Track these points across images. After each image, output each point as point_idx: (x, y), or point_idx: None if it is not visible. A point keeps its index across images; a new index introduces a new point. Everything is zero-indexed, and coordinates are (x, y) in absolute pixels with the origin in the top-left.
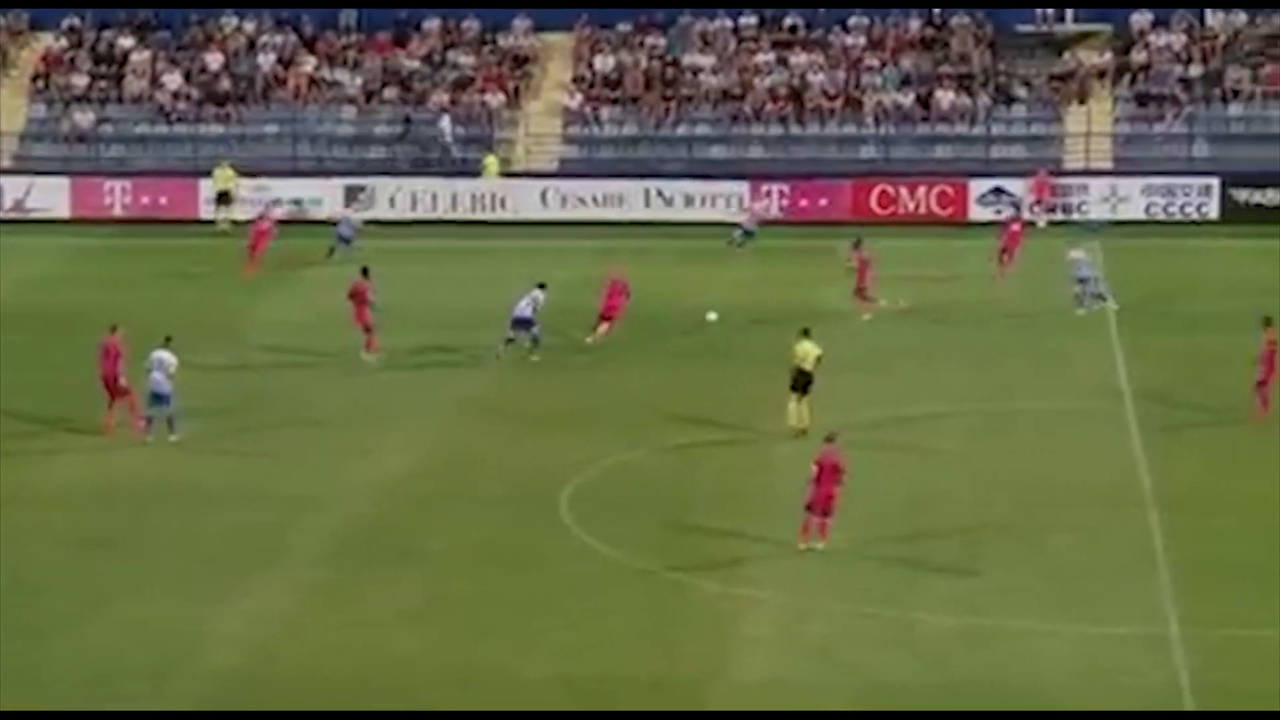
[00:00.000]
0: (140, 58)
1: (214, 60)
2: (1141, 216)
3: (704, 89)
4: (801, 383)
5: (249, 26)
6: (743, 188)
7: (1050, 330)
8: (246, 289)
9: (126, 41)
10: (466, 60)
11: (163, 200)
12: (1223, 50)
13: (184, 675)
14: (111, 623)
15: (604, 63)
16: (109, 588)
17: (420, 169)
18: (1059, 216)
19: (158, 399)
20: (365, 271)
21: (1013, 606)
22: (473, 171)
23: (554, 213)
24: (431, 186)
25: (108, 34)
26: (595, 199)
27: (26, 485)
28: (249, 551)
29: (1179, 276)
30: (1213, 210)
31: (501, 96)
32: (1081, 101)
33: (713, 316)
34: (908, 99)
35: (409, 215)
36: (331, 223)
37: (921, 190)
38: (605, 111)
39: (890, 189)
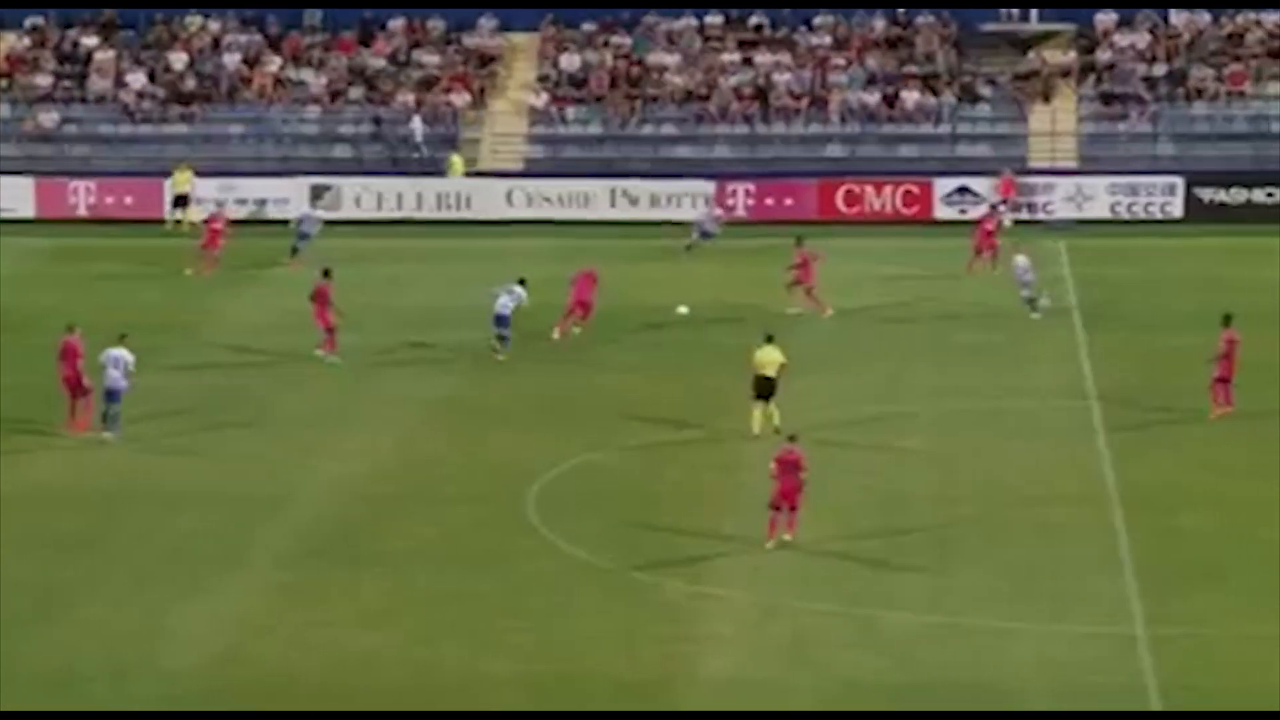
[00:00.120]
0: (104, 57)
1: (178, 60)
2: (1107, 215)
3: (669, 88)
4: (764, 390)
5: (214, 26)
6: (708, 187)
7: (1015, 330)
8: (210, 289)
9: (90, 41)
10: (431, 60)
11: (128, 200)
12: (1187, 49)
13: (147, 676)
14: (75, 623)
15: (569, 62)
16: (72, 588)
17: (391, 169)
18: (1024, 216)
19: (115, 396)
20: (327, 273)
21: (979, 605)
22: (438, 171)
23: (519, 212)
24: (396, 186)
25: (71, 33)
26: (560, 198)
27: None
28: (212, 552)
29: (1144, 275)
30: (1177, 209)
31: (466, 96)
32: (1046, 100)
33: (684, 310)
34: (873, 98)
35: (374, 215)
36: (295, 221)
37: (887, 189)
38: (570, 111)
39: (856, 188)
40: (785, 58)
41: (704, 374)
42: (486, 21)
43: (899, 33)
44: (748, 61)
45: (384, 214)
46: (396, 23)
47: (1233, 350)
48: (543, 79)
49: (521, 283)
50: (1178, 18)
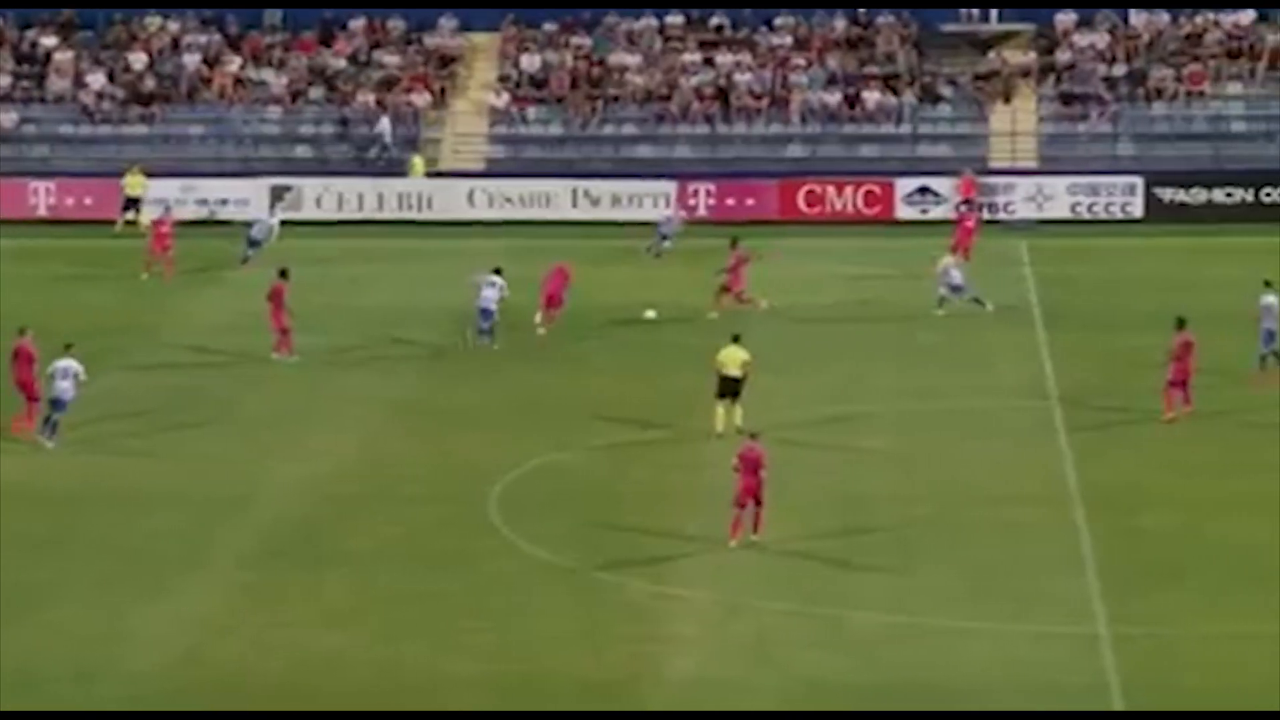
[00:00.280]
0: (63, 57)
1: (138, 60)
2: (1067, 215)
3: (630, 88)
4: (728, 389)
5: (173, 26)
6: (670, 187)
7: (977, 330)
8: (169, 290)
9: (49, 41)
10: (392, 60)
11: (87, 201)
12: (1146, 50)
13: (110, 677)
14: (37, 625)
15: (530, 62)
16: (35, 590)
17: (358, 169)
18: (985, 216)
19: (61, 406)
20: (284, 273)
21: (941, 605)
22: (402, 171)
23: (481, 212)
24: (358, 186)
25: (30, 33)
26: (522, 199)
27: None
28: (175, 553)
29: (1104, 275)
30: (1137, 209)
31: (427, 96)
32: (1006, 101)
33: (651, 314)
34: (834, 98)
35: (335, 215)
36: (246, 226)
37: (848, 190)
38: (531, 111)
39: (817, 188)
40: (746, 58)
41: (667, 374)
42: (447, 21)
43: (859, 33)
44: (708, 62)
45: (345, 214)
46: (357, 23)
47: (1187, 353)
48: (503, 79)
49: (498, 272)
50: (1137, 18)
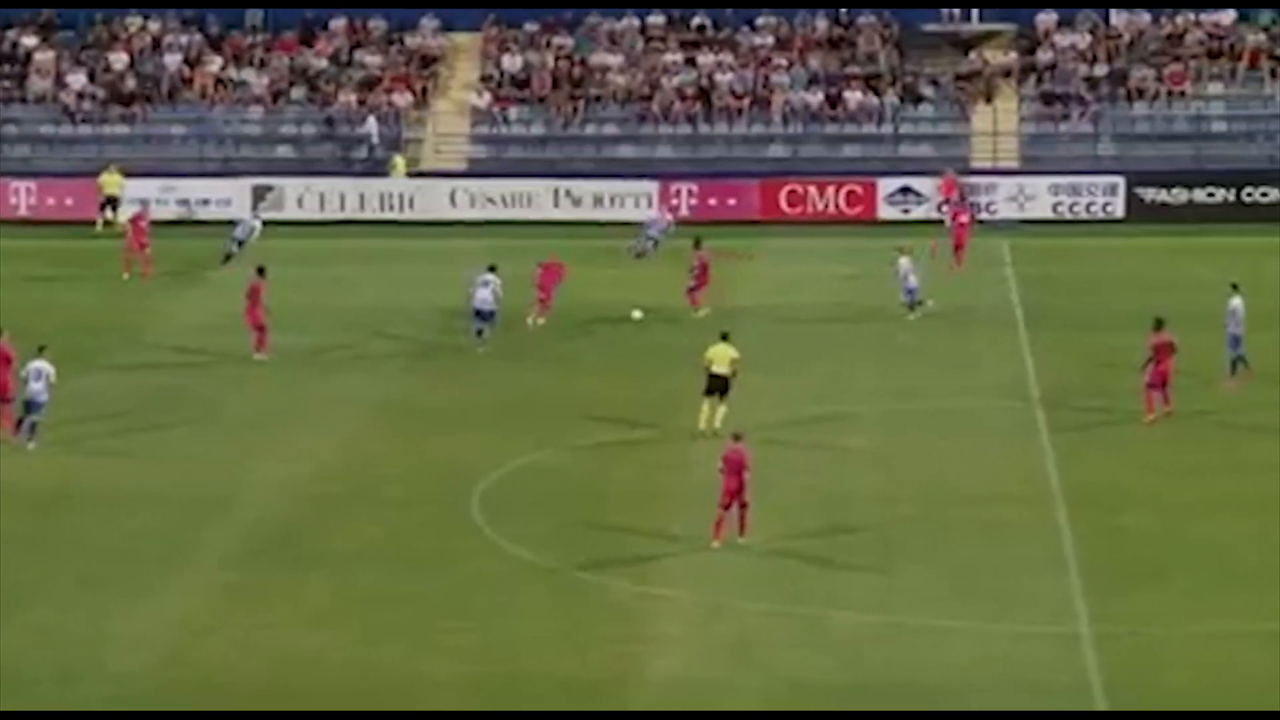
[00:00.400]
0: (44, 57)
1: (119, 60)
2: (1048, 215)
3: (612, 88)
4: (716, 386)
5: (154, 26)
6: (651, 187)
7: (959, 330)
8: (151, 291)
9: (30, 41)
10: (374, 60)
11: (68, 201)
12: (1127, 50)
13: (93, 677)
14: (19, 626)
15: (512, 62)
16: (17, 591)
17: (343, 169)
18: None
19: (36, 408)
20: (261, 271)
21: (924, 604)
22: (385, 172)
23: (463, 213)
24: (339, 186)
25: (10, 33)
26: (504, 199)
27: None
28: (157, 553)
29: (1086, 275)
30: (1118, 209)
31: (409, 96)
32: (988, 101)
33: (638, 314)
34: (815, 98)
35: (317, 215)
36: (231, 223)
37: (830, 190)
38: (513, 111)
39: (799, 188)
40: (728, 58)
41: (652, 374)
42: (428, 22)
43: (841, 33)
44: (690, 62)
45: (327, 215)
46: (338, 23)
47: (1165, 354)
48: (485, 79)
49: (492, 269)
50: (1118, 18)
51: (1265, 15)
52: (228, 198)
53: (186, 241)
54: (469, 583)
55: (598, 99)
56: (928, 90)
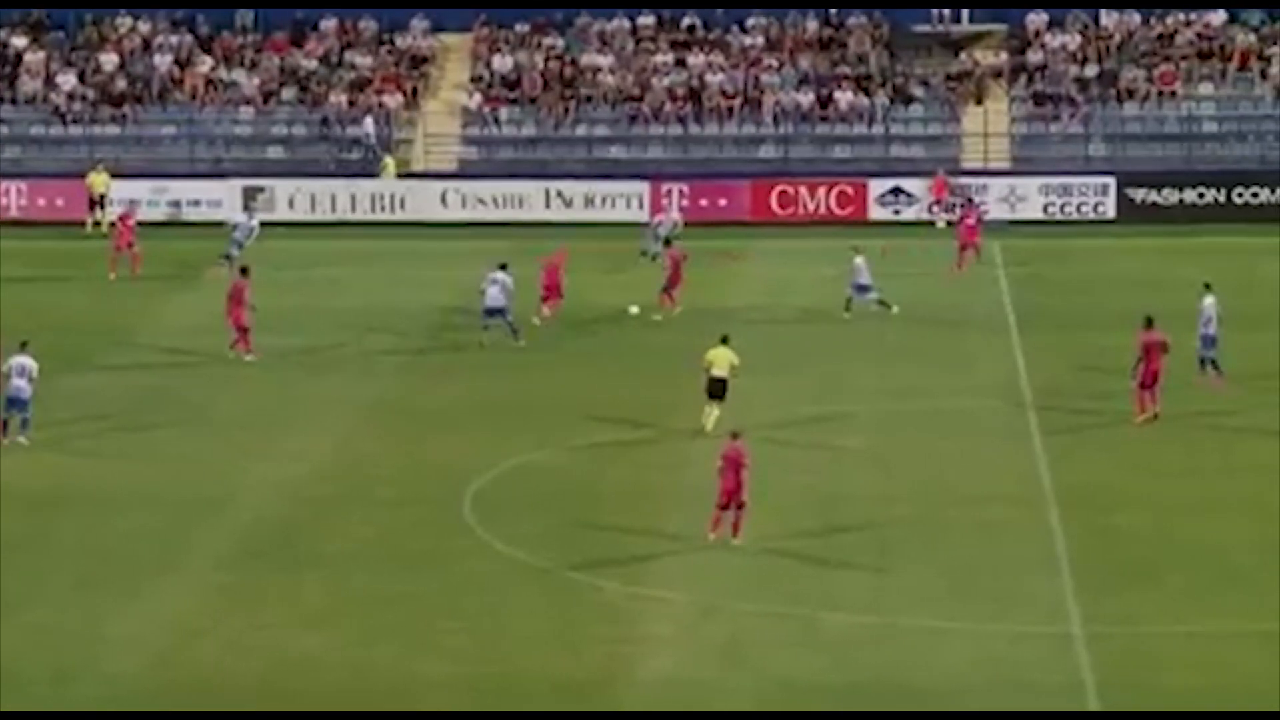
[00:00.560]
0: (34, 58)
1: (109, 61)
2: (1039, 216)
3: (602, 89)
4: (714, 389)
5: (144, 27)
6: (643, 188)
7: (952, 330)
8: (142, 291)
9: (20, 42)
10: (364, 61)
11: (59, 202)
12: (1118, 50)
13: (87, 678)
14: (14, 626)
15: (502, 63)
16: (10, 592)
17: (337, 171)
18: (957, 217)
19: (20, 405)
20: (245, 271)
21: (917, 605)
22: (371, 173)
23: (454, 214)
24: (330, 188)
25: (0, 34)
26: (495, 200)
27: None
28: (151, 554)
29: (1077, 275)
30: (1109, 209)
31: (399, 97)
32: (978, 101)
33: (634, 309)
34: (806, 99)
35: (308, 217)
36: (230, 228)
37: (821, 190)
38: (504, 112)
39: (790, 189)
40: (718, 59)
41: (645, 374)
42: (418, 22)
43: (831, 34)
44: (681, 62)
45: (318, 216)
46: (328, 23)
47: (1155, 353)
48: (476, 80)
49: (503, 267)
50: (1108, 19)
51: (1255, 16)
52: (218, 199)
53: (178, 243)
54: (462, 583)
55: (588, 100)
56: (918, 91)
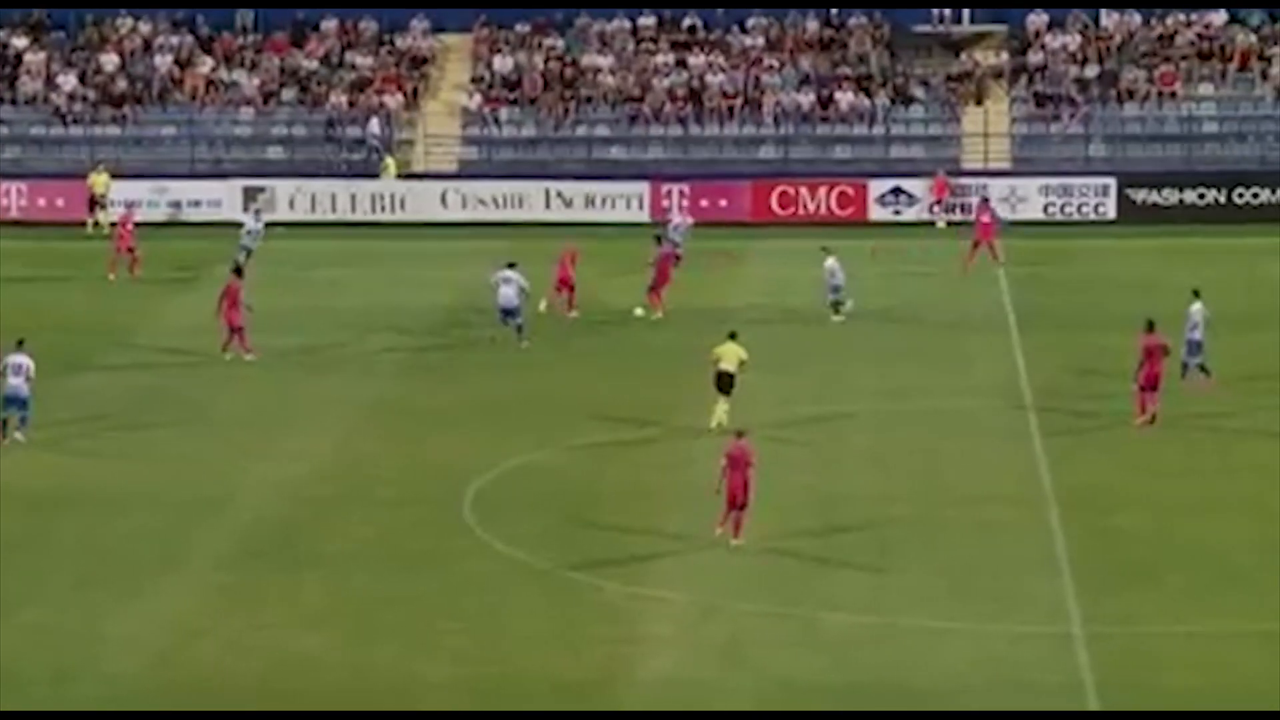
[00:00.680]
0: (35, 59)
1: (110, 61)
2: (1040, 216)
3: (603, 90)
4: (722, 385)
5: (145, 27)
6: (643, 188)
7: (952, 331)
8: (142, 292)
9: (20, 42)
10: (364, 61)
11: (59, 202)
12: (1118, 51)
13: (87, 678)
14: (14, 626)
15: (502, 63)
16: (10, 592)
17: (330, 171)
18: (958, 217)
19: (17, 403)
20: (239, 271)
21: (917, 605)
22: (371, 173)
23: (454, 214)
24: (330, 188)
25: (1, 34)
26: (495, 200)
27: None
28: (151, 554)
29: (1077, 276)
30: (1110, 210)
31: (400, 97)
32: (979, 102)
33: (640, 311)
34: (806, 99)
35: (308, 217)
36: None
37: (821, 191)
38: (504, 112)
39: (790, 189)
40: (718, 59)
41: (644, 374)
42: (419, 23)
43: (832, 34)
44: (681, 63)
45: (318, 216)
46: (329, 24)
47: (1156, 356)
48: (476, 80)
49: (511, 266)
50: (1108, 19)
51: (1255, 16)
52: (218, 199)
53: (178, 243)
54: (462, 583)
55: (589, 100)
56: (919, 91)
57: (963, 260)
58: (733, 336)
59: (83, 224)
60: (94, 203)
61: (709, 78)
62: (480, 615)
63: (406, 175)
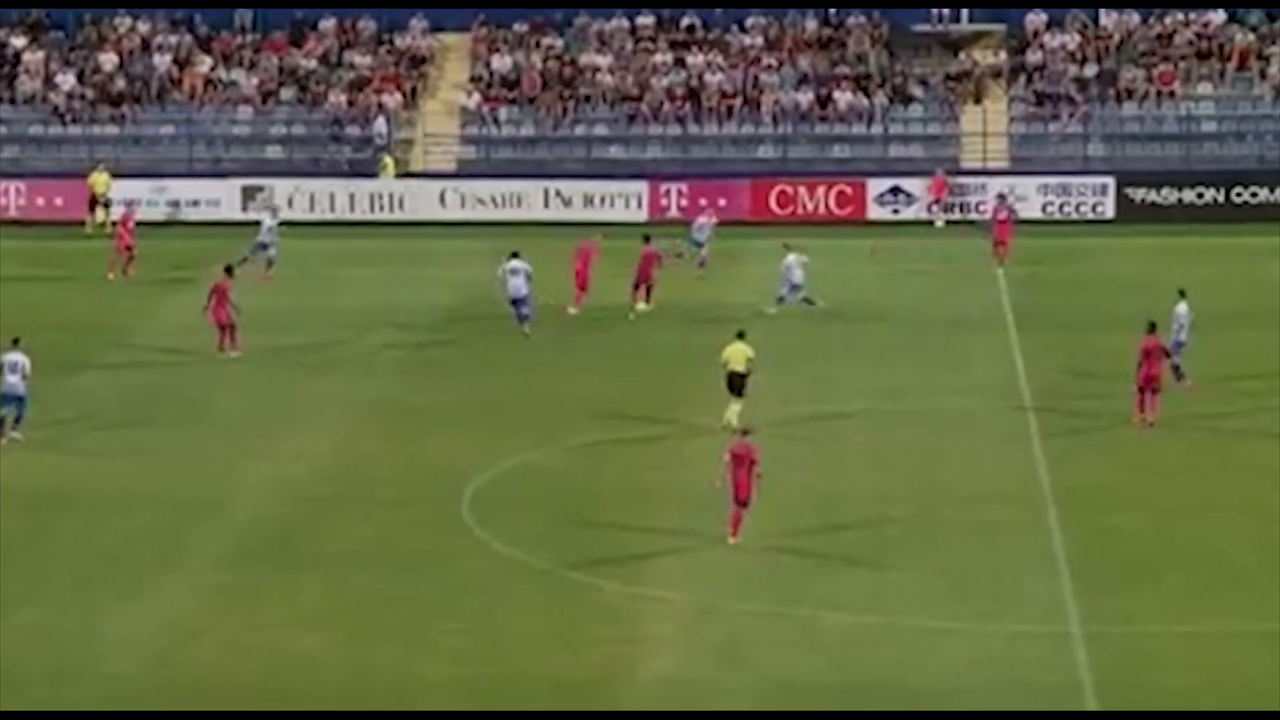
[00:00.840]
0: (33, 58)
1: (108, 61)
2: (1038, 216)
3: (602, 89)
4: (732, 385)
5: (143, 27)
6: (641, 187)
7: (951, 330)
8: (141, 291)
9: (19, 41)
10: (363, 60)
11: (58, 201)
12: (1116, 50)
13: (86, 678)
14: (12, 626)
15: (501, 63)
16: (9, 592)
17: (329, 170)
18: (956, 216)
19: (14, 401)
20: (229, 270)
21: (916, 604)
22: (365, 172)
23: (453, 213)
24: (329, 187)
25: None
26: (494, 199)
27: None
28: (150, 554)
29: (1076, 275)
30: (1108, 209)
31: (398, 97)
32: (977, 101)
33: (642, 307)
34: (805, 99)
35: (306, 216)
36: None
37: (820, 190)
38: (503, 112)
39: (789, 189)
40: (717, 58)
41: (644, 373)
42: (417, 22)
43: (830, 33)
44: (680, 62)
45: (316, 215)
46: (327, 23)
47: (1153, 358)
48: (475, 80)
49: (515, 255)
50: (1107, 18)
51: (1254, 15)
52: (217, 198)
53: (177, 242)
54: (461, 583)
55: (587, 99)
56: (917, 90)
57: (988, 260)
58: (741, 336)
59: (81, 223)
60: (94, 202)
61: (708, 77)
62: (479, 615)
63: (405, 174)
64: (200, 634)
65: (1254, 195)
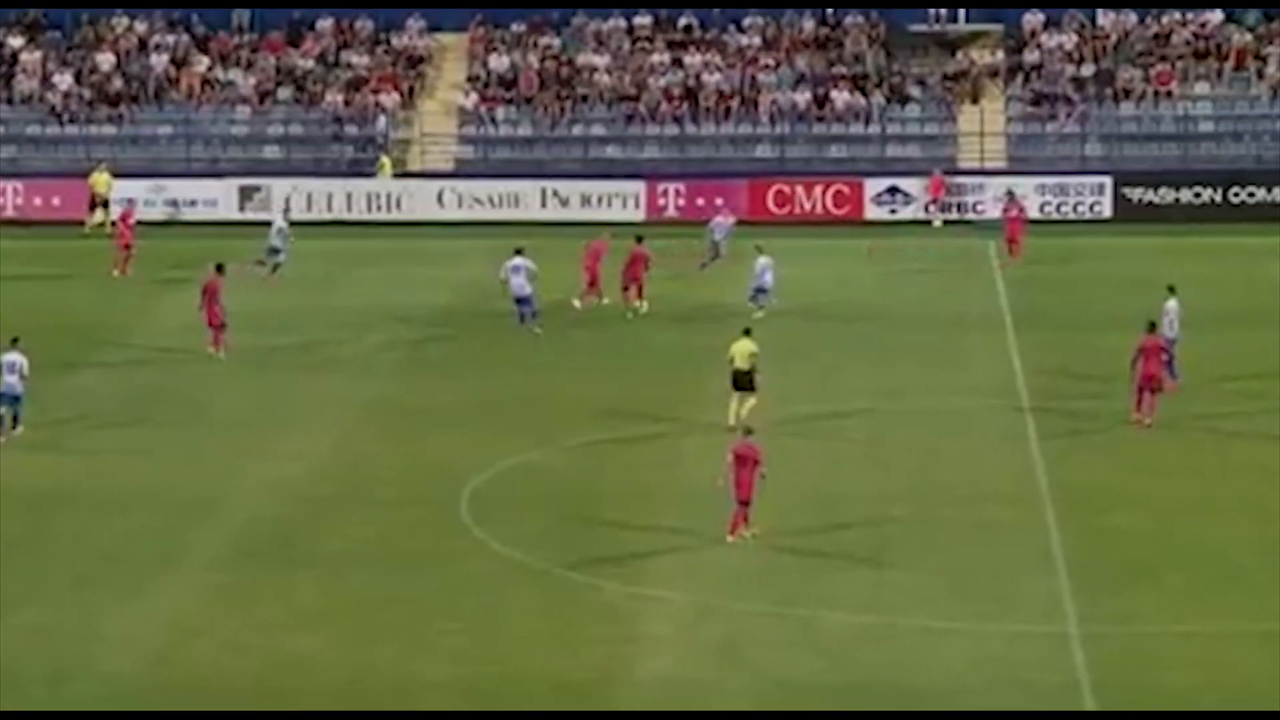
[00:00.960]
0: (31, 58)
1: (105, 61)
2: (1036, 215)
3: (599, 89)
4: (738, 382)
5: (140, 27)
6: (638, 187)
7: (949, 330)
8: (140, 291)
9: (16, 41)
10: (360, 60)
11: (55, 201)
12: (1114, 50)
13: (84, 678)
14: (11, 626)
15: (499, 62)
16: (8, 591)
17: (327, 170)
18: (954, 216)
19: (11, 400)
20: (220, 269)
21: (915, 604)
22: (367, 172)
23: (450, 213)
24: (326, 187)
25: None
26: (492, 199)
27: None
28: (148, 554)
29: (1073, 275)
30: (1106, 209)
31: (396, 96)
32: (975, 101)
33: (640, 306)
34: (803, 98)
35: (304, 216)
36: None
37: (817, 190)
38: (500, 111)
39: (786, 188)
40: (714, 58)
41: (642, 373)
42: (415, 22)
43: (828, 33)
44: (677, 62)
45: (314, 215)
46: (325, 23)
47: (1151, 358)
48: (472, 79)
49: (519, 252)
50: (1105, 18)
51: (1251, 15)
52: (214, 198)
53: (175, 242)
54: (460, 583)
55: (585, 99)
56: (915, 90)
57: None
58: (747, 333)
59: (80, 223)
60: (95, 203)
61: (705, 77)
62: (478, 615)
63: (403, 174)
64: (199, 634)
65: (1251, 195)
